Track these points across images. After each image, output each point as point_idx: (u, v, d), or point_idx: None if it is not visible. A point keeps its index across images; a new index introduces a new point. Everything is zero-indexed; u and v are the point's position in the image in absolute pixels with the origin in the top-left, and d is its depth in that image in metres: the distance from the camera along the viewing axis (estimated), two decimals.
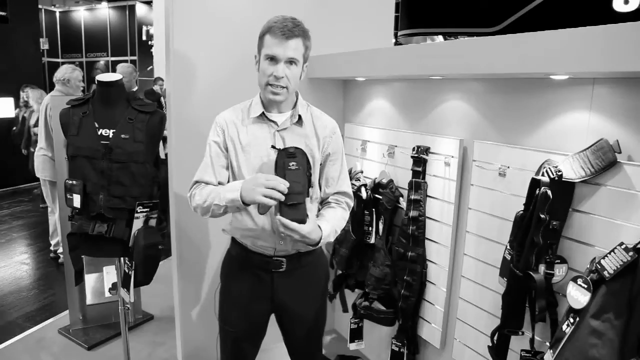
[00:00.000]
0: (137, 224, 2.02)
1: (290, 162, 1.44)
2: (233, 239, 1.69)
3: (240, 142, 1.57)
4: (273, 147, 1.55)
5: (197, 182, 1.61)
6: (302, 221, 1.40)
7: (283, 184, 1.36)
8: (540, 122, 1.60)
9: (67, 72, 3.75)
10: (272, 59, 1.47)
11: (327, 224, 1.56)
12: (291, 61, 1.48)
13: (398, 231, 2.13)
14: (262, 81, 1.51)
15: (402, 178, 2.16)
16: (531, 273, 1.45)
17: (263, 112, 1.57)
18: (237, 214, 1.61)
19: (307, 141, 1.60)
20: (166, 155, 2.51)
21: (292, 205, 1.40)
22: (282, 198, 1.37)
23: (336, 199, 1.69)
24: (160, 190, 2.15)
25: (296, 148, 1.47)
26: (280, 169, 1.44)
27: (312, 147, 1.60)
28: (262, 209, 1.43)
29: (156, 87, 7.35)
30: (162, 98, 6.80)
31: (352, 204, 1.74)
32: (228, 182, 1.62)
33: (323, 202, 1.70)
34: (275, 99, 1.51)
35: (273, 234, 1.57)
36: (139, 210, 2.00)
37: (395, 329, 2.20)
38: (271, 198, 1.36)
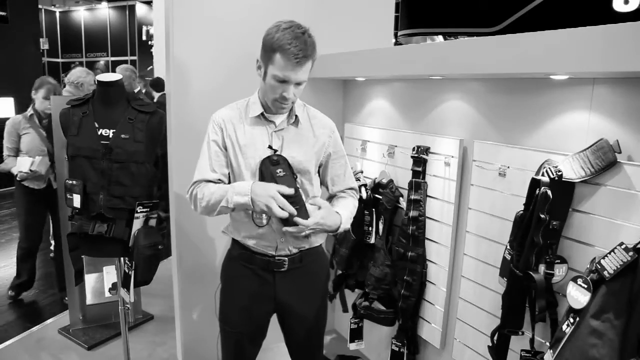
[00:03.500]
0: (137, 224, 2.02)
1: (277, 170, 1.49)
2: (233, 240, 1.68)
3: (238, 142, 1.57)
4: (270, 147, 1.55)
5: (196, 181, 1.60)
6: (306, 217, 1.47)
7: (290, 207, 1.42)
8: (540, 122, 1.60)
9: (82, 76, 3.71)
10: (283, 81, 1.46)
11: (344, 209, 1.63)
12: (301, 82, 1.49)
13: (398, 231, 2.13)
14: (269, 96, 1.52)
15: (402, 178, 2.16)
16: (531, 273, 1.45)
17: (262, 113, 1.57)
18: (237, 216, 1.61)
19: (304, 141, 1.60)
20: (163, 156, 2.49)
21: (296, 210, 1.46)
22: (295, 212, 1.42)
23: (343, 191, 1.74)
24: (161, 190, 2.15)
25: (278, 155, 1.52)
26: (268, 177, 1.48)
27: (309, 146, 1.61)
28: (259, 220, 1.54)
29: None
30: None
31: (358, 195, 1.82)
32: (229, 180, 1.63)
33: (331, 198, 1.74)
34: (281, 112, 1.56)
35: (274, 234, 1.58)
36: (139, 210, 2.00)
37: (395, 329, 2.20)
38: (284, 209, 1.41)
